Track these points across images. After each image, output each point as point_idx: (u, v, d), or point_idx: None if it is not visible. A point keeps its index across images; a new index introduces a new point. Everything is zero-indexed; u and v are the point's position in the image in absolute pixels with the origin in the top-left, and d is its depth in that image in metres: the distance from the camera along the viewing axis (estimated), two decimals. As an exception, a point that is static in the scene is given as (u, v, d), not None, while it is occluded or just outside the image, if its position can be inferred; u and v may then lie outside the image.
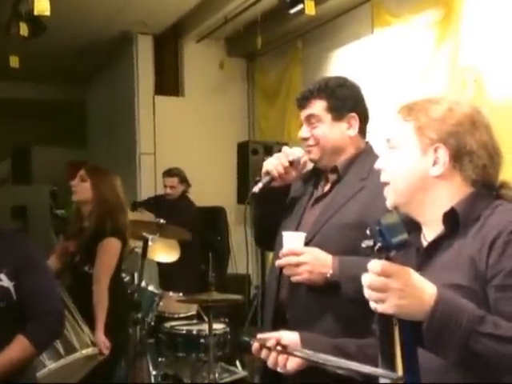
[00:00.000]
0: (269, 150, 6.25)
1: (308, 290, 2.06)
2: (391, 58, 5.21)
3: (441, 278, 1.41)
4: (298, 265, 2.01)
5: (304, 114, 2.21)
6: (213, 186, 6.96)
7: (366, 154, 2.21)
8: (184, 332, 4.30)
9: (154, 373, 4.05)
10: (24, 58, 6.38)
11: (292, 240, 2.05)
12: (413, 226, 1.55)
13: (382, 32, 5.35)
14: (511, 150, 3.73)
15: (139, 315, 3.48)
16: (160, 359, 4.43)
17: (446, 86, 4.66)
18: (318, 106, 2.18)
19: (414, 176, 1.51)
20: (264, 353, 1.64)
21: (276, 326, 2.10)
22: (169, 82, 7.34)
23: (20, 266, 2.26)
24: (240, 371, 5.01)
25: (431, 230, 1.52)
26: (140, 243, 3.95)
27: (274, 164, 2.22)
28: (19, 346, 2.20)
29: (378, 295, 1.26)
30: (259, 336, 1.67)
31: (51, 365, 2.68)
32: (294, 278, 2.03)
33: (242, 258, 7.01)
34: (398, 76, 5.10)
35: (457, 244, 1.44)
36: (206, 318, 4.72)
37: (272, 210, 2.29)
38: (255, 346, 1.65)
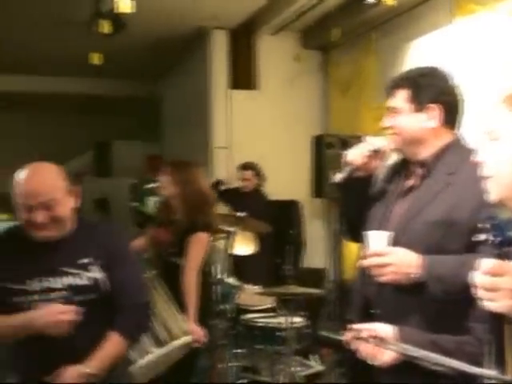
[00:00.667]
0: (344, 144, 6.20)
1: (395, 290, 2.02)
2: (472, 48, 5.06)
3: None
4: (382, 266, 1.98)
5: (388, 103, 2.19)
6: (287, 179, 6.95)
7: (453, 148, 2.13)
8: (262, 324, 4.32)
9: (232, 364, 4.09)
10: (104, 55, 6.53)
11: (376, 240, 2.01)
12: None
13: (463, 21, 5.21)
14: None
15: (222, 307, 3.53)
16: (238, 351, 4.47)
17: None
18: (400, 96, 2.15)
19: None
20: (357, 344, 1.63)
21: (364, 321, 2.08)
22: (243, 76, 7.37)
23: (112, 258, 2.28)
24: (316, 365, 5.01)
25: None
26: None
27: (356, 154, 2.23)
28: (114, 343, 2.23)
29: (489, 294, 1.22)
30: (353, 326, 1.65)
31: (155, 351, 2.75)
32: (379, 279, 2.01)
33: (315, 252, 7.00)
34: (479, 67, 4.95)
35: None
36: (282, 312, 4.74)
37: (356, 201, 2.28)
38: (348, 335, 1.64)
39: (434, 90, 2.14)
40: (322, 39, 6.95)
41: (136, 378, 2.63)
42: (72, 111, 10.88)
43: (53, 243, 2.24)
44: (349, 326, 1.68)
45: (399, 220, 2.10)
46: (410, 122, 2.14)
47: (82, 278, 2.23)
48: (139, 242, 3.72)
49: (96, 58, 6.45)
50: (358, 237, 2.26)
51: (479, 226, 1.19)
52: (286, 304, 4.10)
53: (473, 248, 1.89)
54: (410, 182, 2.19)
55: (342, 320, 5.17)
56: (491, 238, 1.17)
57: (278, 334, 4.22)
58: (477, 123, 1.56)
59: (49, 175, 2.23)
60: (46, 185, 2.19)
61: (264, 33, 7.27)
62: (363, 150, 2.22)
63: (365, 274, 2.12)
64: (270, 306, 4.84)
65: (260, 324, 4.33)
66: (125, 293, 2.29)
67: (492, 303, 1.22)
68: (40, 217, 2.16)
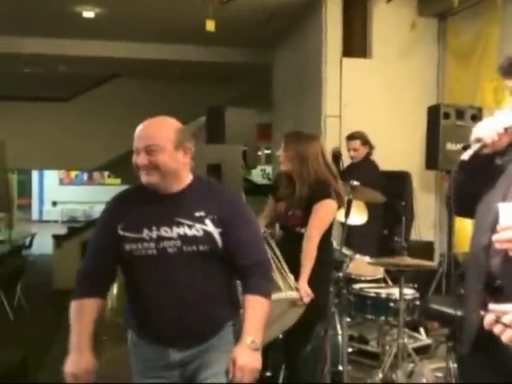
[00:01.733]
0: (461, 114, 6.02)
1: None
2: None
3: None
4: None
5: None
6: (399, 149, 6.84)
7: None
8: (373, 295, 4.31)
9: (341, 333, 4.11)
10: (219, 23, 6.61)
11: (509, 212, 1.96)
12: None
13: None
14: None
15: (339, 275, 3.55)
16: (348, 320, 4.48)
17: None
18: None
19: None
20: (499, 328, 1.58)
21: (486, 296, 2.05)
22: (357, 44, 7.24)
23: (227, 215, 2.33)
24: (424, 338, 4.96)
25: None
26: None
27: (488, 130, 2.08)
28: (256, 306, 2.29)
29: None
30: (493, 307, 1.61)
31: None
32: None
33: (425, 225, 6.87)
34: None
35: None
36: (391, 283, 4.71)
37: (476, 178, 2.18)
38: (489, 319, 1.60)
39: None
40: (441, 6, 6.72)
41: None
42: (185, 78, 11.15)
43: (171, 196, 2.35)
44: (489, 307, 1.62)
45: None
46: None
47: (196, 230, 2.29)
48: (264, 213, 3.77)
49: (211, 25, 6.53)
50: (469, 212, 2.22)
51: None
52: (397, 275, 4.06)
53: None
54: None
55: (453, 294, 5.08)
56: None
57: (389, 304, 4.20)
58: None
59: (160, 125, 2.35)
60: (154, 131, 2.31)
61: (379, 0, 7.11)
62: (496, 126, 2.08)
63: (487, 247, 2.07)
64: (379, 276, 4.82)
65: (371, 294, 4.32)
66: (246, 250, 2.34)
67: None
68: (140, 159, 2.28)
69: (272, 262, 2.98)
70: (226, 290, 2.39)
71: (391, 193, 6.48)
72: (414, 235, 6.66)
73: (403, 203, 6.59)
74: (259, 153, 4.60)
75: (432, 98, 7.03)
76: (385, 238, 6.01)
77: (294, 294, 3.11)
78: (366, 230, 5.51)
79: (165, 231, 2.29)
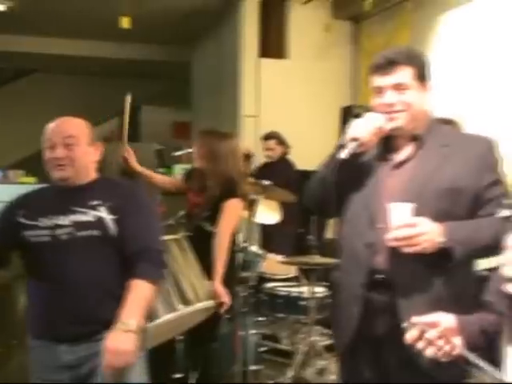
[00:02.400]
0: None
1: (415, 258, 2.03)
2: (503, 22, 4.98)
3: None
4: (414, 236, 1.99)
5: (390, 80, 2.16)
6: (314, 149, 6.86)
7: (436, 122, 2.26)
8: (284, 293, 4.36)
9: (253, 331, 4.12)
10: (134, 19, 6.52)
11: (400, 211, 2.03)
12: None
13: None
14: None
15: (245, 274, 3.56)
16: (260, 319, 4.51)
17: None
18: (407, 73, 2.16)
19: None
20: (422, 344, 1.58)
21: (368, 291, 2.13)
22: (274, 45, 7.31)
23: (122, 203, 2.36)
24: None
25: None
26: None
27: (362, 130, 2.15)
28: (140, 288, 2.25)
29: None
30: (415, 320, 1.62)
31: (182, 309, 2.78)
32: (408, 249, 2.01)
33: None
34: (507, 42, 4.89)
35: None
36: (305, 281, 4.77)
37: (348, 176, 2.21)
38: (412, 334, 1.61)
39: (429, 70, 2.23)
40: (354, 9, 6.86)
41: (158, 334, 2.68)
42: (101, 75, 10.93)
43: (71, 189, 2.40)
44: (411, 321, 1.62)
45: (404, 191, 2.11)
46: (419, 99, 2.18)
47: (88, 216, 2.33)
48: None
49: (126, 22, 6.43)
50: (333, 213, 2.33)
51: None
52: (309, 274, 4.12)
53: (475, 214, 2.07)
54: (401, 156, 2.22)
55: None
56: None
57: (300, 303, 4.25)
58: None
59: (74, 121, 2.45)
60: (69, 126, 2.41)
61: (295, 1, 7.21)
62: (370, 125, 2.15)
63: (370, 244, 2.13)
64: (292, 275, 4.87)
65: (282, 293, 4.37)
66: (137, 236, 2.34)
67: None
68: (59, 152, 2.34)
69: (190, 267, 2.98)
70: (121, 283, 2.29)
71: (307, 192, 6.57)
72: (332, 233, 6.76)
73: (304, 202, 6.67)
74: (179, 152, 4.56)
75: (346, 98, 7.18)
76: (301, 237, 6.08)
77: (211, 303, 3.09)
78: (282, 229, 5.57)
79: (60, 220, 2.34)
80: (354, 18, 7.27)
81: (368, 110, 2.31)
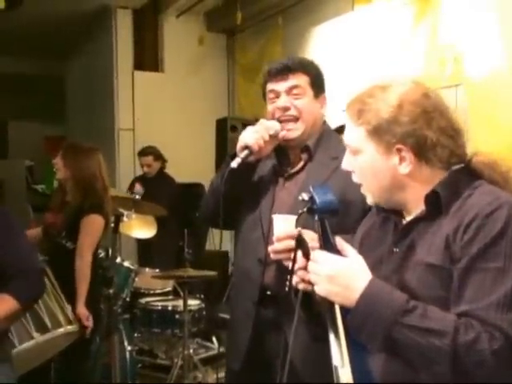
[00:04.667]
0: (247, 127, 6.24)
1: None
2: (371, 35, 5.19)
3: (415, 257, 1.42)
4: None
5: (285, 85, 2.13)
6: (192, 162, 6.92)
7: (328, 133, 2.21)
8: (159, 308, 4.32)
9: (129, 348, 4.04)
10: (1, 32, 6.27)
11: (283, 223, 1.95)
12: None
13: (362, 9, 5.33)
14: (489, 126, 3.78)
15: (111, 291, 3.48)
16: (136, 334, 4.44)
17: (425, 63, 4.66)
18: (303, 79, 2.13)
19: (384, 178, 1.47)
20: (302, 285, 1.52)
21: (262, 306, 2.09)
22: (148, 58, 7.27)
23: None
24: (216, 347, 5.04)
25: (413, 213, 1.49)
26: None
27: (253, 137, 2.09)
28: (2, 302, 2.20)
29: (312, 277, 1.43)
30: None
31: (38, 337, 2.67)
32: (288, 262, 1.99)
33: (224, 235, 6.98)
34: (378, 53, 5.09)
35: (436, 224, 1.42)
36: (181, 294, 4.74)
37: (241, 187, 2.18)
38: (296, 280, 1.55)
39: (323, 81, 2.21)
40: (227, 23, 6.93)
41: (18, 363, 2.56)
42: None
43: None
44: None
45: (293, 204, 2.02)
46: (313, 107, 2.15)
47: None
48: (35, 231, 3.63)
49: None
50: (230, 224, 2.24)
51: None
52: (184, 287, 4.09)
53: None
54: (292, 168, 2.18)
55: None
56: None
57: (175, 317, 4.23)
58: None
59: None
60: None
61: (169, 14, 7.19)
62: (261, 133, 2.10)
63: (262, 260, 2.08)
64: (170, 289, 4.83)
65: (157, 307, 4.32)
66: (14, 260, 2.28)
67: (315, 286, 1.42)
68: None
69: (48, 292, 2.88)
70: None
71: (186, 204, 6.55)
72: (211, 246, 6.77)
73: (197, 214, 6.68)
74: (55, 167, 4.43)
75: (223, 111, 7.21)
76: (181, 250, 6.05)
77: (73, 328, 2.99)
78: (160, 243, 5.52)
79: None
80: (229, 31, 7.35)
81: (244, 121, 2.27)
